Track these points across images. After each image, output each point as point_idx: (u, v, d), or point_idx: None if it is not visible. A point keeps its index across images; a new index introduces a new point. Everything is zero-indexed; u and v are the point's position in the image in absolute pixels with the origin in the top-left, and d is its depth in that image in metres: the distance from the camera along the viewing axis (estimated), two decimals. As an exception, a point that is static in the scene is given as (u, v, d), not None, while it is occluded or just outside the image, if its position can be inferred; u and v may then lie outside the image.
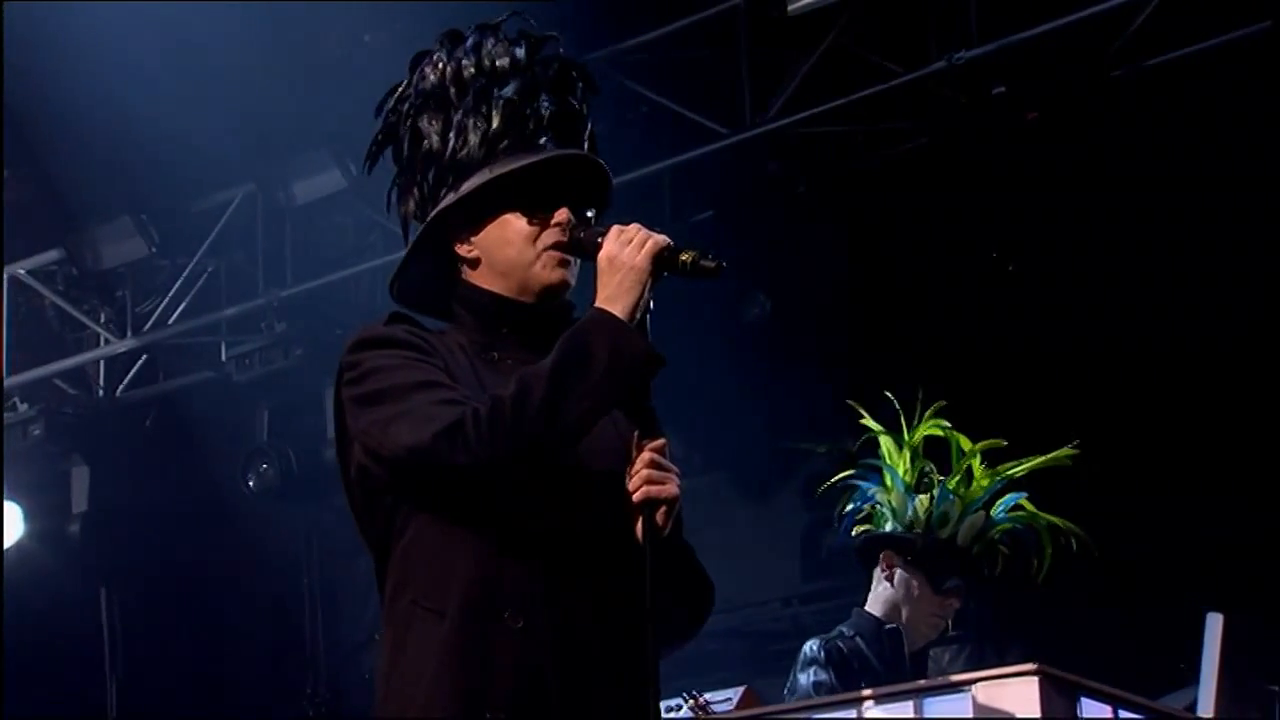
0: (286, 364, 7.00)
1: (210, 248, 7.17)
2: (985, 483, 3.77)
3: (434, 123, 2.51)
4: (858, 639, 3.84)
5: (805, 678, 3.78)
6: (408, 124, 2.54)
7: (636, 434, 2.38)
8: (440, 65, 2.53)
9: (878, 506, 3.85)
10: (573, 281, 2.49)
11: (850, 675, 3.76)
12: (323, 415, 7.03)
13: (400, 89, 2.57)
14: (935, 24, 5.85)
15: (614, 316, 2.35)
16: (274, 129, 6.55)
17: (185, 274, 7.22)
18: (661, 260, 2.38)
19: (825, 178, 6.27)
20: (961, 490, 3.77)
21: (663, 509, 2.35)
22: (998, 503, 3.80)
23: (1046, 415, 5.57)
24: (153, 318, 7.30)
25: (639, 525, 2.33)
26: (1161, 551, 5.85)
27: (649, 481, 2.35)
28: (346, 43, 6.29)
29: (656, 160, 6.33)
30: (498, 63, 2.51)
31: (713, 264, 2.38)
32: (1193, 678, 3.68)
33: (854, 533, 3.89)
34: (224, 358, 7.19)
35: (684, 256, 2.38)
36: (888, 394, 3.77)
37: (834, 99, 6.10)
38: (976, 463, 3.77)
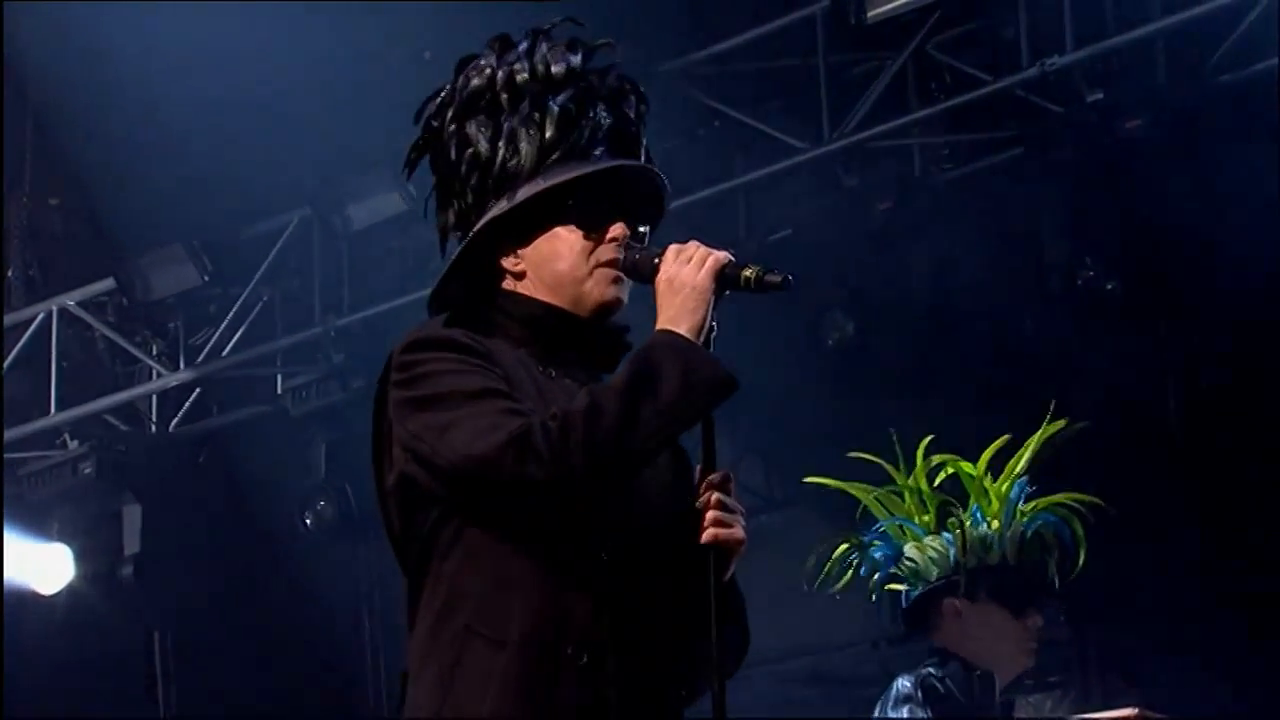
0: (344, 396, 7.02)
1: (265, 275, 7.23)
2: (1003, 492, 3.74)
3: (483, 129, 2.48)
4: (948, 680, 3.80)
5: (900, 714, 3.72)
6: (452, 129, 2.50)
7: (700, 467, 2.38)
8: (489, 70, 2.51)
9: (911, 563, 3.79)
10: (625, 299, 2.48)
11: (949, 714, 3.72)
12: None
13: (444, 93, 2.54)
14: (1026, 28, 5.86)
15: (681, 337, 2.34)
16: (330, 150, 6.61)
17: (239, 303, 7.27)
18: (724, 278, 2.38)
19: (909, 193, 6.24)
20: (988, 509, 3.74)
21: (730, 554, 2.35)
22: (1017, 509, 3.77)
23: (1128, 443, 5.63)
24: (206, 349, 7.36)
25: (701, 560, 2.33)
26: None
27: (718, 524, 2.34)
28: (407, 60, 6.33)
29: (730, 177, 6.38)
30: (553, 69, 2.49)
31: (778, 278, 2.37)
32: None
33: (889, 588, 3.84)
34: (279, 390, 7.25)
35: (747, 272, 2.37)
36: (866, 457, 3.72)
37: (918, 109, 6.16)
38: (989, 480, 3.74)
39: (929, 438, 3.71)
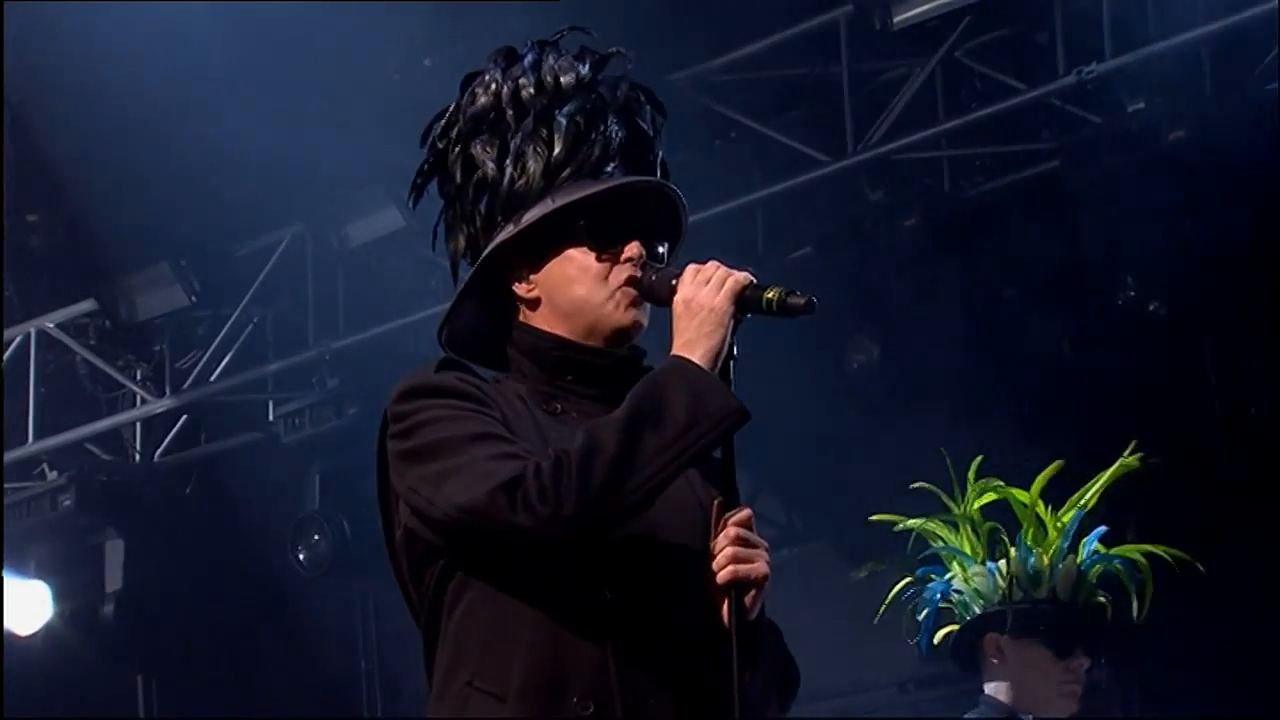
0: (340, 423, 7.01)
1: (256, 296, 7.23)
2: (1060, 524, 3.71)
3: (489, 149, 2.48)
4: (983, 730, 3.79)
5: None
6: (458, 151, 2.50)
7: (718, 502, 2.37)
8: (494, 86, 2.50)
9: (958, 596, 3.77)
10: (645, 323, 2.47)
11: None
12: None
13: (449, 113, 2.54)
14: (1063, 34, 5.83)
15: (693, 364, 2.33)
16: (325, 164, 6.58)
17: (229, 325, 7.27)
18: (744, 300, 2.37)
19: (938, 208, 6.24)
20: (1040, 544, 3.71)
21: (751, 591, 2.34)
22: (1081, 543, 3.73)
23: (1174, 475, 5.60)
24: (193, 374, 7.36)
25: (723, 605, 2.32)
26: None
27: (736, 560, 2.32)
28: (405, 68, 6.35)
29: (748, 191, 6.34)
30: (561, 80, 2.48)
31: (801, 300, 2.36)
32: None
33: (939, 638, 3.81)
34: (271, 417, 7.24)
35: (768, 294, 2.37)
36: (925, 485, 3.72)
37: (947, 120, 6.11)
38: (1042, 509, 3.71)
39: (978, 459, 3.69)
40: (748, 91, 6.42)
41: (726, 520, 2.35)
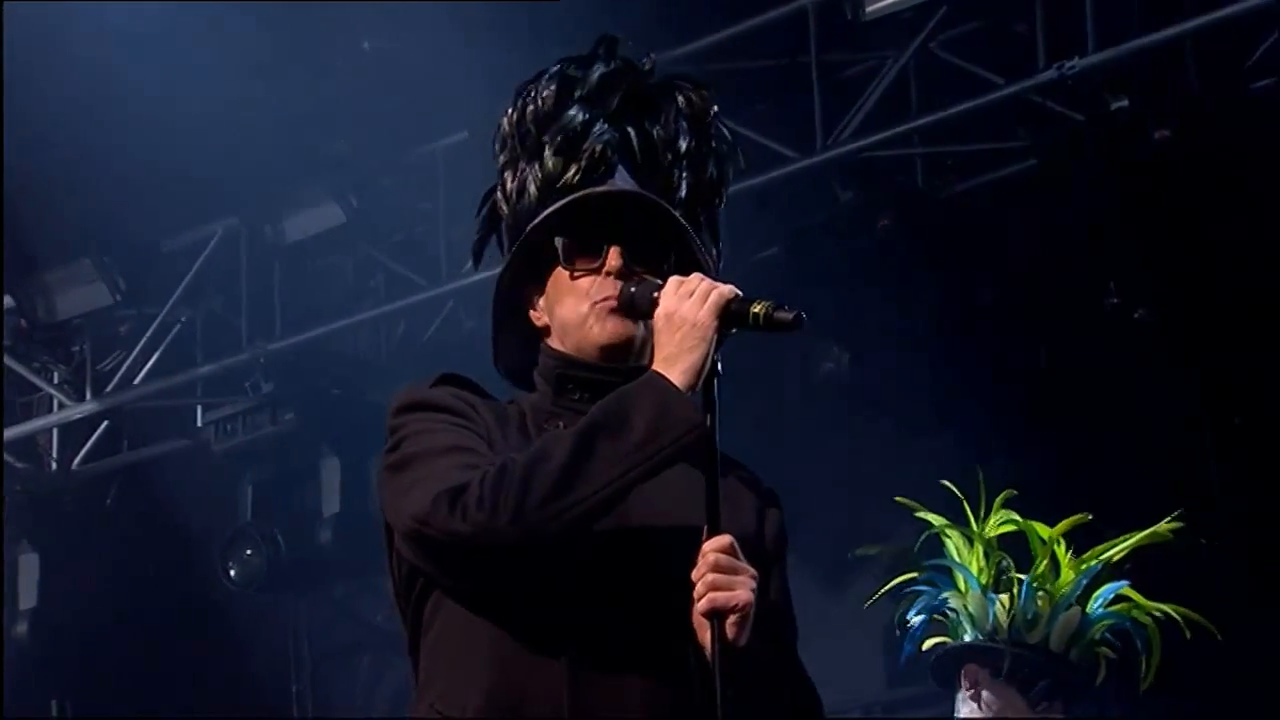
0: (274, 430, 7.01)
1: (184, 294, 7.19)
2: (1075, 573, 3.74)
3: (511, 178, 2.57)
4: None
5: None
6: (498, 183, 2.60)
7: (705, 529, 2.37)
8: (509, 111, 2.59)
9: (951, 614, 3.81)
10: (636, 334, 2.49)
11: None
12: (317, 491, 7.10)
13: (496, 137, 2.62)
14: (1043, 26, 5.83)
15: (663, 379, 2.36)
16: (260, 153, 6.55)
17: (155, 325, 7.23)
18: (728, 314, 2.39)
19: (911, 209, 6.22)
20: (1048, 585, 3.74)
21: (732, 619, 2.34)
22: (1094, 594, 3.77)
23: (1159, 489, 5.63)
24: (116, 377, 7.32)
25: (706, 634, 2.34)
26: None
27: (714, 588, 2.34)
28: (345, 52, 6.32)
29: None
30: (560, 92, 2.54)
31: (789, 316, 2.39)
32: None
33: (926, 646, 3.86)
34: (200, 423, 7.22)
35: (755, 309, 2.39)
36: (946, 484, 3.76)
37: (921, 116, 6.08)
38: (1061, 550, 3.75)
39: (1010, 491, 3.72)
40: (711, 83, 6.40)
41: (706, 548, 2.36)
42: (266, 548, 7.05)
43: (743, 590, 2.34)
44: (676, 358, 2.37)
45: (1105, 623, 3.76)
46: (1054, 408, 6.17)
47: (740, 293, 2.40)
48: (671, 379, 2.36)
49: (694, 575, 2.35)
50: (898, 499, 3.79)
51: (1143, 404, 6.12)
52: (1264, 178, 5.76)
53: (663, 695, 2.36)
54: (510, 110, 2.58)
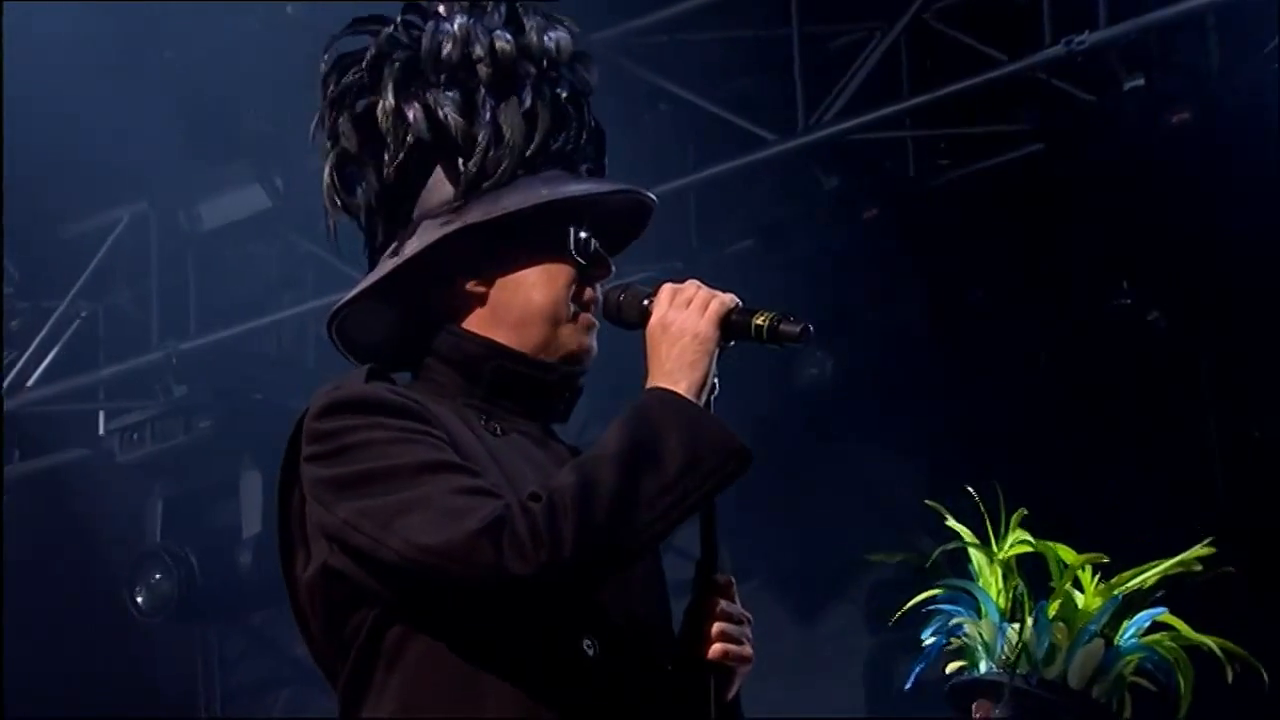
0: (187, 440, 6.97)
1: (86, 286, 7.13)
2: (1098, 602, 3.70)
3: (448, 104, 2.45)
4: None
5: None
6: (395, 98, 2.46)
7: (698, 561, 2.42)
8: (464, 33, 2.47)
9: (967, 640, 3.76)
10: (595, 349, 2.52)
11: None
12: (235, 508, 6.99)
13: (380, 49, 2.48)
14: (1050, -2, 5.84)
15: (680, 397, 2.36)
16: (172, 129, 6.47)
17: (52, 321, 7.17)
18: (729, 326, 2.41)
19: (901, 197, 6.25)
20: (1068, 614, 3.69)
21: (735, 674, 2.43)
22: (1123, 625, 3.72)
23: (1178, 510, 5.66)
24: (7, 379, 7.18)
25: (699, 678, 2.39)
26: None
27: (725, 638, 2.40)
28: (266, 15, 6.24)
29: (680, 174, 6.32)
30: (549, 47, 2.47)
31: (796, 329, 2.42)
32: None
33: (950, 669, 3.78)
34: (103, 431, 7.17)
35: (758, 320, 2.40)
36: (969, 489, 3.72)
37: (914, 95, 6.09)
38: (1086, 576, 3.70)
39: (1022, 510, 3.68)
40: (681, 57, 6.37)
41: (712, 584, 2.41)
42: (178, 571, 6.98)
43: (748, 645, 2.43)
44: (678, 373, 2.38)
45: (1136, 656, 3.69)
46: (1053, 416, 6.14)
47: (740, 302, 2.42)
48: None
49: (691, 610, 2.41)
50: (928, 502, 3.76)
51: (1150, 415, 6.11)
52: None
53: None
54: (459, 30, 2.47)
